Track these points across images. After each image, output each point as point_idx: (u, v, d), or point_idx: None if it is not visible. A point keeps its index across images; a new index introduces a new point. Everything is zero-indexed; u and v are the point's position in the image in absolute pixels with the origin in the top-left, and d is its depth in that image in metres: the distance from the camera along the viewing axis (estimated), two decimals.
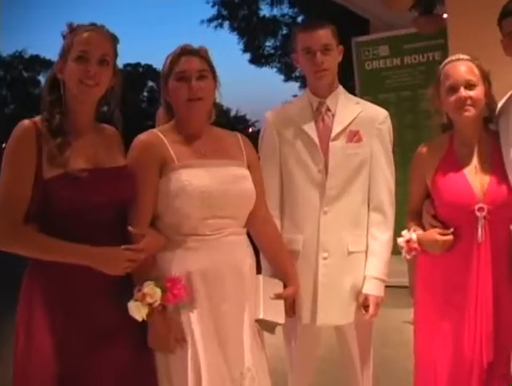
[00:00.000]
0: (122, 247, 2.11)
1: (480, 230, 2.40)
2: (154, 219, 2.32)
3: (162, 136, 2.34)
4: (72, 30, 2.20)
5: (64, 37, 2.21)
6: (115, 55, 2.26)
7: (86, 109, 2.24)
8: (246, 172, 2.42)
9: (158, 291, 2.14)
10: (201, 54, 2.41)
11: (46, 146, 2.10)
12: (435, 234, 2.47)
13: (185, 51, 2.39)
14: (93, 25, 2.23)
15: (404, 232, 2.54)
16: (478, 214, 2.41)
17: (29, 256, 2.13)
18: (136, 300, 2.13)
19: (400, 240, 2.53)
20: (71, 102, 2.20)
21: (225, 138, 2.49)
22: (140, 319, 2.13)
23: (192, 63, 2.36)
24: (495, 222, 2.42)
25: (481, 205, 2.41)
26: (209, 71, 2.39)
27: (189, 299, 2.24)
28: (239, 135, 2.54)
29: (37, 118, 2.17)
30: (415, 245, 2.49)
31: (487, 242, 2.42)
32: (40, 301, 2.10)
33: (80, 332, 2.10)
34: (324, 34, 2.72)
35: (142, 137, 2.35)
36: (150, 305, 2.13)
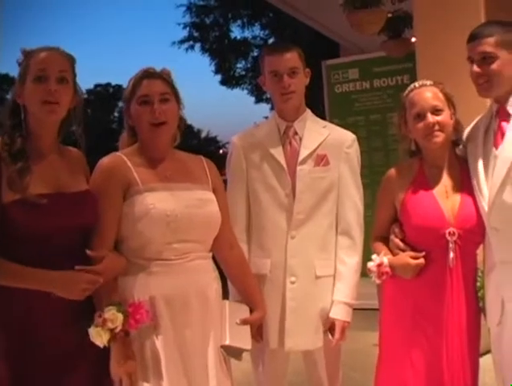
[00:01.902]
0: (76, 267, 2.05)
1: (451, 254, 2.40)
2: (118, 243, 2.27)
3: (126, 159, 2.30)
4: (27, 54, 2.17)
5: (19, 64, 2.18)
6: (74, 74, 2.22)
7: (48, 132, 2.19)
8: (212, 196, 2.39)
9: (119, 316, 2.08)
10: (163, 76, 2.38)
11: (6, 170, 2.05)
12: (407, 257, 2.45)
13: (147, 74, 2.36)
14: (38, 47, 2.19)
15: (374, 257, 2.50)
16: (449, 238, 2.40)
17: None
18: (97, 325, 2.07)
19: (371, 265, 2.49)
20: (33, 125, 2.16)
21: (189, 162, 2.46)
22: (102, 345, 2.08)
23: (153, 87, 2.33)
24: (464, 247, 2.42)
25: (451, 229, 2.40)
26: (172, 94, 2.36)
27: (153, 325, 2.20)
28: (203, 159, 2.51)
29: None
30: (387, 269, 2.46)
31: (458, 267, 2.41)
32: None
33: (39, 358, 2.05)
34: (291, 58, 2.72)
35: (106, 160, 2.31)
36: (111, 330, 2.07)
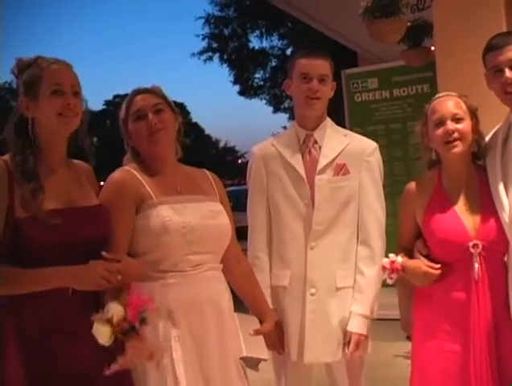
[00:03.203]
0: (101, 257, 2.03)
1: (476, 267, 2.37)
2: (134, 258, 2.22)
3: (136, 173, 2.30)
4: (29, 64, 2.14)
5: (14, 73, 2.16)
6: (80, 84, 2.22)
7: (59, 145, 2.18)
8: (221, 207, 2.41)
9: (117, 307, 1.98)
10: (154, 91, 2.41)
11: (18, 186, 2.04)
12: (421, 264, 2.43)
13: (137, 91, 2.40)
14: (43, 57, 2.16)
15: (391, 255, 2.49)
16: (473, 251, 2.37)
17: (2, 294, 2.04)
18: (94, 320, 1.96)
19: (385, 261, 2.48)
20: (43, 139, 2.14)
21: (195, 175, 2.47)
22: (105, 342, 1.94)
23: (145, 100, 2.36)
24: (489, 258, 2.38)
25: (475, 242, 2.37)
26: (164, 104, 2.38)
27: (172, 335, 2.17)
28: (208, 172, 2.52)
29: (6, 157, 2.11)
30: (398, 266, 2.43)
31: (484, 279, 2.38)
32: (13, 341, 2.00)
33: (56, 373, 2.01)
34: (323, 65, 2.74)
35: (116, 175, 2.31)
36: (110, 323, 1.95)
